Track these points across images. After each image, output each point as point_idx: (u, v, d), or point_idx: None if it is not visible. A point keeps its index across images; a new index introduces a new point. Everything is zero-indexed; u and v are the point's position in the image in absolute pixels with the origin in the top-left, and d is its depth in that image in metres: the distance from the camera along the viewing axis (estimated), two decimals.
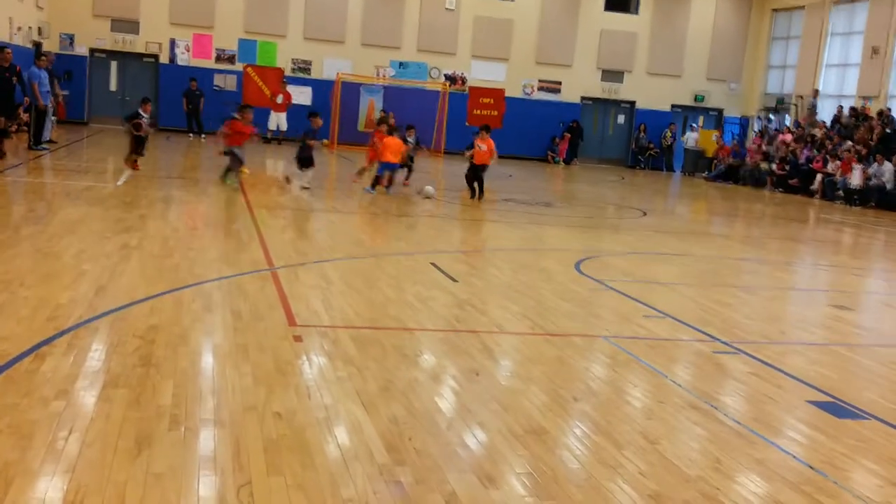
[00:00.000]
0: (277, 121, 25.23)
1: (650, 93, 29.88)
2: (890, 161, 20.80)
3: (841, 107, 25.45)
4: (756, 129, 28.91)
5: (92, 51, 25.96)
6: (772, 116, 28.80)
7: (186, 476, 3.51)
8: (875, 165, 20.88)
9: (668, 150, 29.91)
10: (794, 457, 4.30)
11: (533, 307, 7.16)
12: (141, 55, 26.34)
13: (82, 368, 4.69)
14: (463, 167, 15.83)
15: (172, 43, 26.42)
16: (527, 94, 29.02)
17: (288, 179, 14.60)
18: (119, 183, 13.08)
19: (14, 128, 15.17)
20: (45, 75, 17.26)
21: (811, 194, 22.60)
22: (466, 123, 27.37)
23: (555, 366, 5.55)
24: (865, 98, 24.93)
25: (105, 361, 4.84)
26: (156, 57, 26.41)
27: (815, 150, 23.77)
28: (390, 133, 15.01)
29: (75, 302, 6.03)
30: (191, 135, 24.52)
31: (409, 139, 15.95)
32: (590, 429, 4.47)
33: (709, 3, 29.84)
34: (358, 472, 3.68)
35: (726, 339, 6.58)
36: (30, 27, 22.52)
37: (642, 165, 29.88)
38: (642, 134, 29.90)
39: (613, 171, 28.01)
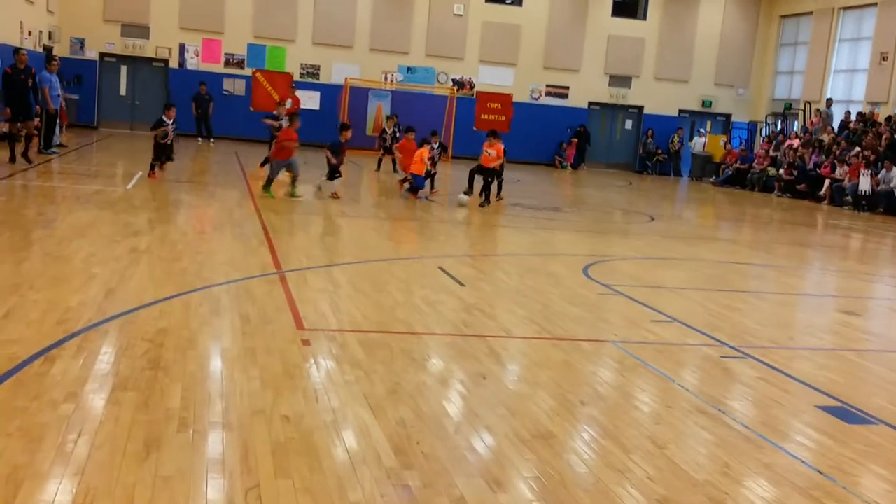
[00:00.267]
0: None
1: (658, 98, 29.85)
2: None
3: (849, 112, 25.39)
4: (763, 135, 28.85)
5: (102, 55, 26.06)
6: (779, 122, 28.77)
7: (195, 479, 3.52)
8: (883, 171, 20.81)
9: (675, 155, 29.83)
10: (803, 461, 4.29)
11: (540, 311, 7.16)
12: (151, 60, 26.45)
13: (91, 371, 4.71)
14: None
15: (182, 48, 26.52)
16: (534, 98, 29.03)
17: (320, 188, 14.55)
18: (129, 187, 13.15)
19: (24, 132, 15.21)
20: (55, 79, 17.38)
21: (819, 200, 22.53)
22: (474, 128, 27.42)
23: (562, 370, 5.55)
24: (873, 104, 24.87)
25: (114, 364, 4.85)
26: (165, 62, 26.51)
27: (822, 156, 23.72)
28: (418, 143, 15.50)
29: (85, 305, 6.06)
30: (200, 139, 24.58)
31: (434, 146, 16.00)
32: (597, 433, 4.47)
33: (716, 8, 29.81)
34: (365, 475, 3.69)
35: (734, 344, 6.56)
36: (40, 31, 22.62)
37: (650, 170, 29.82)
38: (650, 139, 29.86)
39: (621, 175, 27.97)
